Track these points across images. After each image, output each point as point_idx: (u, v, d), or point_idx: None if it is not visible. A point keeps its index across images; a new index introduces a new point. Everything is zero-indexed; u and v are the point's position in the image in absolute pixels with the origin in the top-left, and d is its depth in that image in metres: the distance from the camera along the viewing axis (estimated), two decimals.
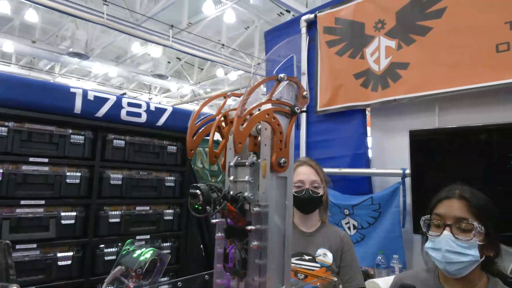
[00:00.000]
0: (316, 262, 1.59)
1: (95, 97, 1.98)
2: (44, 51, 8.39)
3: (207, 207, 0.74)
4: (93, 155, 2.06)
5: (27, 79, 2.01)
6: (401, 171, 2.43)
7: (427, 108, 2.50)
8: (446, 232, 1.09)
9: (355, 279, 1.60)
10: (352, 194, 2.74)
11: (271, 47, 3.69)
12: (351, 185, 2.81)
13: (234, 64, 9.02)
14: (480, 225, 1.07)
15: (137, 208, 2.19)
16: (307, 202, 1.63)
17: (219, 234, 0.86)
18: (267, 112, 0.77)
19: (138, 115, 2.14)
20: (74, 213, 1.95)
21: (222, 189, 0.78)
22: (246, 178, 0.81)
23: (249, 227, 0.77)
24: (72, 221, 1.94)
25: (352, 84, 2.83)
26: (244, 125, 0.74)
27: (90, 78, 11.01)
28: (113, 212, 2.07)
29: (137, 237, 2.15)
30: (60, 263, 1.89)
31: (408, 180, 2.37)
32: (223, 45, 8.27)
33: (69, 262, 1.91)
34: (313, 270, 1.57)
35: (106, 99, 2.02)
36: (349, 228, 2.71)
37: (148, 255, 0.93)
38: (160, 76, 9.66)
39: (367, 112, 2.87)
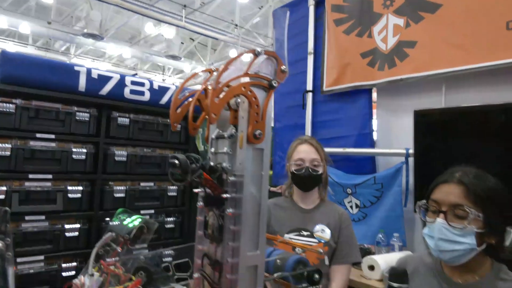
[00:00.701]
0: (314, 237, 1.63)
1: (98, 75, 2.02)
2: (60, 32, 8.50)
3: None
4: (98, 132, 2.13)
5: (33, 58, 2.07)
6: (404, 151, 2.42)
7: (434, 88, 2.45)
8: (440, 219, 1.03)
9: (352, 255, 1.64)
10: (356, 173, 2.75)
11: (280, 26, 3.65)
12: (355, 164, 2.81)
13: (248, 44, 8.94)
14: (477, 212, 1.00)
15: (142, 184, 2.26)
16: (306, 180, 1.66)
17: (200, 203, 0.90)
18: (244, 85, 0.79)
19: (142, 93, 2.19)
20: (81, 188, 2.03)
21: (200, 159, 0.81)
22: (225, 149, 0.84)
23: (224, 195, 0.80)
24: (79, 195, 2.03)
25: (358, 64, 2.79)
26: (220, 97, 0.76)
27: (105, 59, 11.14)
28: (118, 188, 2.15)
29: (142, 212, 2.23)
30: (67, 234, 1.99)
31: (411, 160, 2.36)
32: (236, 25, 8.19)
33: (76, 233, 2.01)
34: (311, 245, 1.61)
35: (110, 78, 2.07)
36: (351, 207, 2.73)
37: (136, 223, 0.98)
38: (174, 57, 9.66)
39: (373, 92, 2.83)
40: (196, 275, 0.89)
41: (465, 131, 2.08)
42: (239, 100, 0.85)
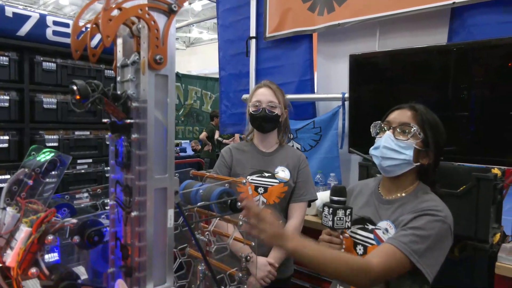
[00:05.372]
0: (275, 178, 1.70)
1: (14, 14, 1.84)
2: None
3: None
4: (21, 78, 1.98)
5: None
6: (341, 95, 2.52)
7: (368, 33, 2.52)
8: (388, 132, 1.16)
9: (309, 193, 1.75)
10: (298, 119, 2.83)
11: None
12: (297, 110, 2.88)
13: None
14: (419, 130, 1.13)
15: (76, 133, 2.18)
16: (263, 120, 1.69)
17: (111, 134, 0.90)
18: (140, 7, 0.77)
19: (67, 35, 2.04)
20: (7, 137, 1.92)
21: (101, 86, 0.80)
22: (129, 76, 0.84)
23: (128, 121, 0.81)
24: (6, 145, 1.92)
25: (299, 8, 2.78)
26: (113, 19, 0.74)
27: (40, 6, 10.10)
28: (50, 137, 2.05)
29: (79, 161, 2.18)
30: None
31: (348, 104, 2.46)
32: None
33: (5, 184, 1.92)
34: (272, 185, 1.69)
35: (28, 17, 1.89)
36: None
37: (48, 157, 0.97)
38: None
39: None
40: (111, 202, 0.91)
41: (395, 73, 2.18)
42: (140, 25, 0.83)
